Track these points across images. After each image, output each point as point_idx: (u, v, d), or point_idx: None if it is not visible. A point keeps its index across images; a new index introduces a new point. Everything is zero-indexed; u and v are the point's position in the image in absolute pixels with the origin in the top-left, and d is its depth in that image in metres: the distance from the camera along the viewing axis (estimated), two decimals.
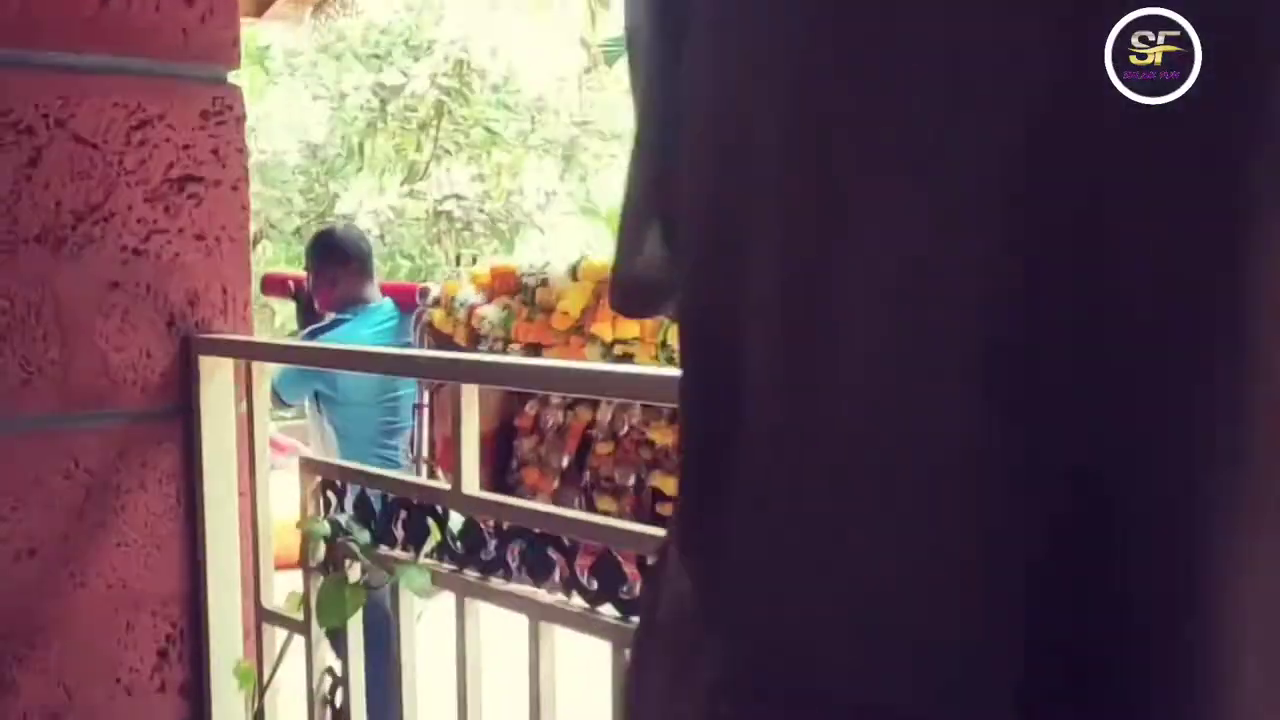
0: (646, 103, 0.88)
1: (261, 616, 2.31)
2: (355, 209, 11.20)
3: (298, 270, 5.54)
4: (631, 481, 6.70)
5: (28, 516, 2.16)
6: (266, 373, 2.29)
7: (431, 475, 6.82)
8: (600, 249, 10.10)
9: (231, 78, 2.34)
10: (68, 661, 2.23)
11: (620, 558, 1.65)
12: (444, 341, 6.69)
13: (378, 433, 4.73)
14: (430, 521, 1.94)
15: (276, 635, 2.31)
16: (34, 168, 2.12)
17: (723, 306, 0.75)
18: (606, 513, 6.40)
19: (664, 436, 6.65)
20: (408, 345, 6.19)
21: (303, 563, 2.17)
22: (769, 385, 0.72)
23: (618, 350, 6.22)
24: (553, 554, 1.74)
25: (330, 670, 2.20)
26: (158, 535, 2.31)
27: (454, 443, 1.83)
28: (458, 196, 11.37)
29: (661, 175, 0.84)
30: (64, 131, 2.14)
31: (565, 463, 6.59)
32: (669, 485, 6.57)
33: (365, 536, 2.03)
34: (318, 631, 2.17)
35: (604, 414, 6.73)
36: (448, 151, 12.10)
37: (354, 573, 2.08)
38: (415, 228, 11.98)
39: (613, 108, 14.55)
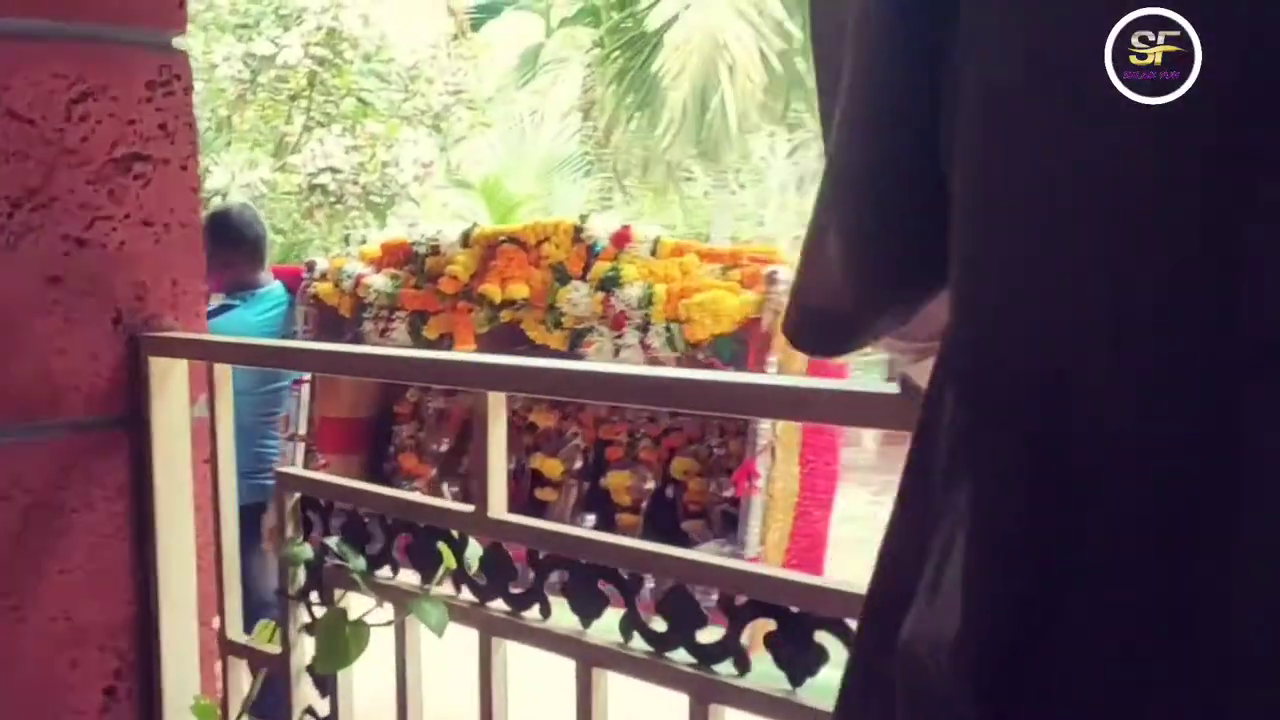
0: (857, 101, 0.75)
1: (227, 649, 2.06)
2: (227, 184, 10.77)
3: None
4: (511, 466, 6.49)
5: None
6: (229, 375, 2.03)
7: (309, 455, 6.52)
8: (475, 219, 9.83)
9: (178, 43, 2.08)
10: (6, 705, 1.99)
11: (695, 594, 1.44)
12: (329, 314, 6.40)
13: (256, 422, 4.61)
14: (441, 546, 1.70)
15: (241, 669, 2.07)
16: None
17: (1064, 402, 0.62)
18: None
19: (546, 419, 6.41)
20: (295, 333, 5.94)
21: (281, 590, 1.93)
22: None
23: (505, 316, 5.95)
24: (605, 587, 1.52)
25: (310, 710, 1.96)
26: (103, 559, 2.06)
27: (479, 460, 1.60)
28: (332, 170, 10.99)
29: (852, 184, 0.75)
30: None
31: (445, 448, 6.35)
32: (548, 467, 6.34)
33: (361, 563, 1.79)
34: (297, 666, 1.93)
35: None
36: (320, 123, 11.70)
37: (347, 603, 1.84)
38: (287, 202, 11.57)
39: (481, 75, 14.21)
